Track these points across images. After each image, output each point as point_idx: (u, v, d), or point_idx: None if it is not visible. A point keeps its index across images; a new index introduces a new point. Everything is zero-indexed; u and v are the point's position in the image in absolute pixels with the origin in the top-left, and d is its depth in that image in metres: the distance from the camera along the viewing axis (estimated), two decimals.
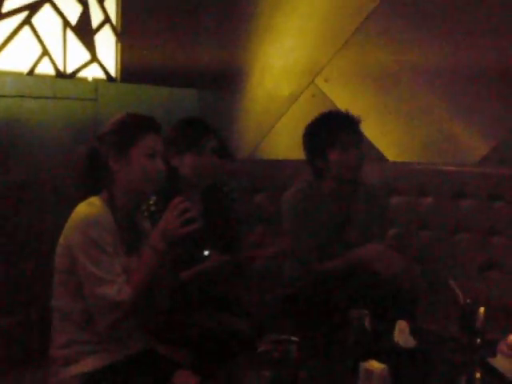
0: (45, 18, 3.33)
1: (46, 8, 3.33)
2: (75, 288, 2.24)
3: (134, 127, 2.36)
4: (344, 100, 4.10)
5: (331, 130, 3.11)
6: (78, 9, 3.51)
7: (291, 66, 4.24)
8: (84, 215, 2.24)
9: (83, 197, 2.31)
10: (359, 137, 3.18)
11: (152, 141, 2.35)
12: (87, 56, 3.58)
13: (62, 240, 2.28)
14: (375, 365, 2.04)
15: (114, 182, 2.33)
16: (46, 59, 3.36)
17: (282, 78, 4.27)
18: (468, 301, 2.55)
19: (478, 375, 2.41)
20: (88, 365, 2.26)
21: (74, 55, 3.50)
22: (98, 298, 2.19)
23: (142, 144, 2.33)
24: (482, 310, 2.49)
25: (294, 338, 2.14)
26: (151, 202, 2.85)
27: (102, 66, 3.68)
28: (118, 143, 2.33)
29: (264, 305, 3.16)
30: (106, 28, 3.70)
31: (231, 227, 3.18)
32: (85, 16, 3.54)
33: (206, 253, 2.84)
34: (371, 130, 4.02)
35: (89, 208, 2.26)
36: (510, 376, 2.25)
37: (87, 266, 2.18)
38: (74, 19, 3.48)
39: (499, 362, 2.34)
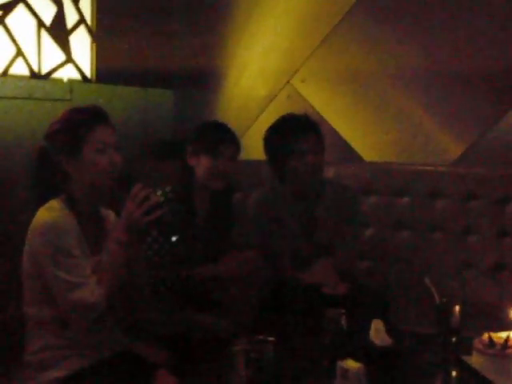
0: (19, 18, 3.30)
1: (20, 8, 3.31)
2: (44, 294, 2.20)
3: (79, 124, 2.28)
4: (320, 100, 4.11)
5: (286, 138, 3.11)
6: (53, 9, 3.48)
7: (267, 67, 4.24)
8: (44, 221, 2.18)
9: (42, 199, 2.27)
10: (317, 141, 3.15)
11: (100, 135, 2.29)
12: (62, 56, 3.55)
13: (26, 247, 2.24)
14: (351, 364, 2.04)
15: (71, 182, 2.29)
16: (20, 60, 3.33)
17: (258, 78, 4.27)
18: (443, 299, 2.57)
19: (453, 373, 2.42)
20: (64, 369, 2.23)
21: (49, 56, 3.48)
22: (72, 304, 2.15)
23: (90, 140, 2.26)
24: (457, 308, 2.51)
25: (270, 338, 2.15)
26: (167, 190, 2.93)
27: (77, 66, 3.66)
28: (66, 143, 2.27)
29: (243, 305, 3.15)
30: (81, 28, 3.68)
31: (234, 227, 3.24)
32: (59, 16, 3.52)
33: (174, 238, 2.83)
34: (347, 130, 4.04)
35: (49, 213, 2.21)
36: (485, 374, 2.27)
37: (55, 272, 2.14)
38: (48, 19, 3.46)
39: (475, 360, 2.35)
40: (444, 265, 3.57)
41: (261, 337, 2.16)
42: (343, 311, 2.38)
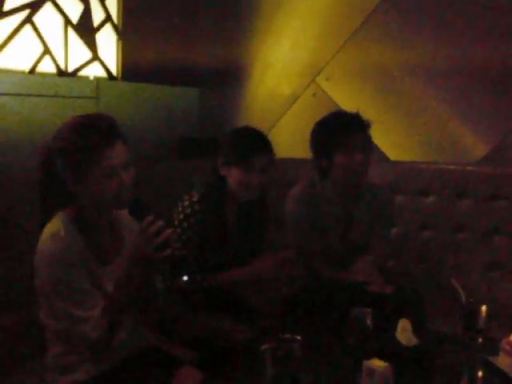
0: (46, 16, 3.33)
1: (48, 6, 3.34)
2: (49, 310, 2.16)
3: (87, 148, 2.08)
4: (345, 99, 4.10)
5: (338, 132, 3.02)
6: (80, 7, 3.51)
7: (292, 65, 4.24)
8: (49, 253, 2.07)
9: (49, 212, 2.17)
10: (366, 140, 3.06)
11: (109, 159, 2.10)
12: (88, 54, 3.58)
13: (35, 270, 2.13)
14: (378, 363, 2.04)
15: (77, 200, 2.17)
16: (47, 58, 3.36)
17: (283, 76, 4.27)
18: (470, 300, 2.55)
19: (480, 374, 2.41)
20: (85, 372, 2.20)
21: (76, 54, 3.51)
22: (74, 337, 2.11)
23: (98, 165, 2.09)
24: (483, 308, 2.49)
25: (297, 337, 2.14)
26: (195, 200, 2.81)
27: (103, 64, 3.68)
28: (71, 167, 2.11)
29: (268, 304, 3.13)
30: (108, 26, 3.71)
31: (266, 235, 3.13)
32: (86, 14, 3.55)
33: (185, 278, 2.67)
34: (373, 129, 4.00)
35: (53, 245, 2.08)
36: None
37: (59, 304, 2.08)
38: (75, 18, 3.49)
39: (501, 361, 2.34)
40: (470, 265, 3.55)
41: (288, 335, 2.15)
42: (369, 310, 2.37)
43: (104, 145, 2.09)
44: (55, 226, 2.12)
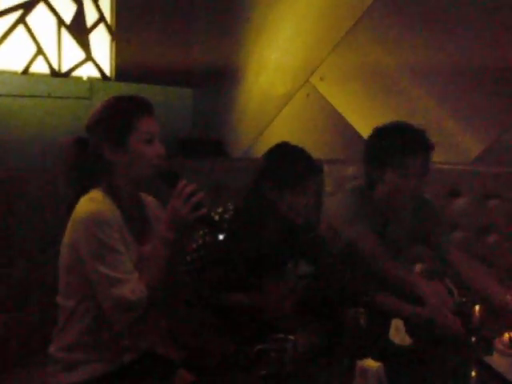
0: (39, 16, 3.34)
1: (41, 7, 3.34)
2: (81, 288, 2.15)
3: (125, 113, 2.18)
4: (339, 98, 4.11)
5: (396, 149, 2.75)
6: (73, 8, 3.51)
7: (286, 65, 4.24)
8: (88, 214, 2.09)
9: (80, 191, 2.19)
10: (425, 164, 2.78)
11: (147, 125, 2.19)
12: (82, 55, 3.58)
13: (66, 239, 2.16)
14: (371, 363, 2.03)
15: (113, 172, 2.19)
16: (40, 58, 3.36)
17: (277, 77, 4.27)
18: (464, 299, 2.55)
19: (473, 374, 2.41)
20: (86, 372, 2.19)
21: (69, 54, 3.51)
22: (113, 300, 2.08)
23: (137, 130, 2.17)
24: (477, 308, 2.49)
25: (290, 337, 2.14)
26: (231, 208, 2.76)
27: (96, 64, 3.68)
28: (111, 133, 2.18)
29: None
30: (101, 27, 3.71)
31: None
32: (79, 15, 3.55)
33: (221, 237, 2.51)
34: (366, 128, 4.01)
35: (91, 205, 2.12)
36: (506, 375, 2.25)
37: (98, 267, 2.07)
38: (68, 18, 3.49)
39: (495, 361, 2.34)
40: None
41: (281, 335, 2.16)
42: (362, 310, 2.37)
43: (142, 111, 2.19)
44: (93, 194, 2.17)
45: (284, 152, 2.79)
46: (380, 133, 2.86)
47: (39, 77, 3.35)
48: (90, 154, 2.21)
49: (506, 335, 2.37)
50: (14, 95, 3.15)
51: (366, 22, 4.04)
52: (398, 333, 2.40)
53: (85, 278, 2.12)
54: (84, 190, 2.19)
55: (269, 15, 4.25)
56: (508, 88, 3.77)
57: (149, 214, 2.35)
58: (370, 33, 4.04)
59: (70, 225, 2.15)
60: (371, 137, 2.89)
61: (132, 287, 2.10)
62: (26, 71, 3.28)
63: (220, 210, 2.77)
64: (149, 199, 2.40)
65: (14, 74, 3.24)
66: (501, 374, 2.26)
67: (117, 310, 2.11)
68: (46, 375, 2.26)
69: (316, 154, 3.98)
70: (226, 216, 2.76)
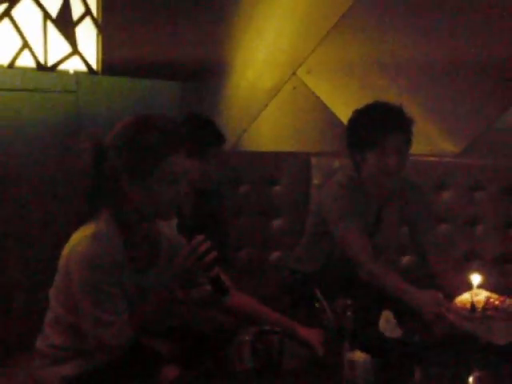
0: (25, 10, 3.31)
1: (26, 0, 3.31)
2: (69, 305, 2.11)
3: (154, 149, 2.01)
4: (326, 91, 4.11)
5: (374, 129, 2.79)
6: (59, 1, 3.49)
7: (273, 58, 4.23)
8: (85, 255, 2.00)
9: (90, 210, 2.10)
10: (405, 141, 2.83)
11: (175, 165, 2.04)
12: (68, 48, 3.56)
13: (62, 262, 2.08)
14: (359, 355, 2.04)
15: (125, 200, 2.07)
16: (26, 52, 3.34)
17: (264, 69, 4.26)
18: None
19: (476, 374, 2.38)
20: (76, 366, 2.17)
21: (55, 48, 3.48)
22: (94, 338, 2.07)
23: (163, 169, 2.02)
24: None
25: (276, 329, 2.15)
26: None
27: (83, 58, 3.66)
28: (133, 165, 2.03)
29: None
30: (87, 20, 3.68)
31: (222, 224, 3.16)
32: (65, 8, 3.52)
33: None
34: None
35: (90, 244, 2.00)
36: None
37: (86, 304, 2.03)
38: (54, 11, 3.46)
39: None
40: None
41: (267, 327, 2.16)
42: (350, 301, 2.37)
43: (172, 148, 2.03)
44: (96, 226, 2.05)
45: (188, 123, 2.88)
46: (359, 114, 2.90)
47: (25, 71, 3.33)
48: (106, 172, 2.07)
49: (459, 300, 2.45)
50: (0, 89, 3.13)
51: (353, 16, 4.04)
52: (387, 324, 2.41)
53: (73, 301, 2.09)
54: (93, 209, 2.10)
55: (256, 8, 4.24)
56: (494, 81, 3.79)
57: (160, 242, 2.25)
58: (357, 26, 4.04)
59: (68, 250, 2.07)
60: (351, 119, 2.92)
61: (115, 332, 2.05)
62: (11, 65, 3.26)
63: None
64: (165, 225, 2.26)
65: (0, 67, 3.23)
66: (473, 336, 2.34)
67: (97, 347, 2.09)
68: (33, 369, 2.26)
69: (303, 146, 4.03)
70: None
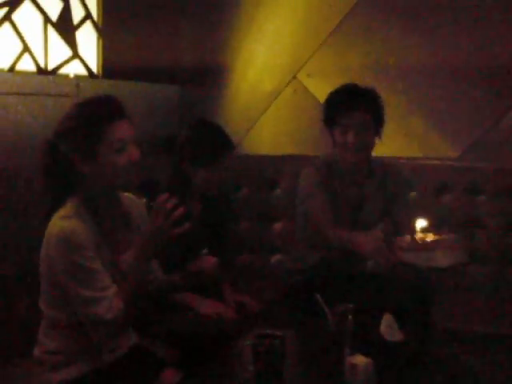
0: (25, 14, 3.31)
1: (27, 4, 3.32)
2: (60, 299, 2.13)
3: (93, 122, 2.09)
4: (326, 95, 4.10)
5: (334, 109, 3.00)
6: (59, 5, 3.49)
7: (273, 62, 4.24)
8: (60, 235, 2.05)
9: (56, 200, 2.14)
10: (363, 119, 2.98)
11: (118, 132, 2.11)
12: (68, 52, 3.56)
13: (42, 253, 2.13)
14: (360, 359, 2.05)
15: (86, 182, 2.14)
16: (26, 56, 3.34)
17: (265, 73, 4.27)
18: None
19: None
20: (74, 371, 2.18)
21: (56, 52, 3.49)
22: (89, 318, 2.07)
23: (107, 140, 2.09)
24: None
25: (278, 333, 2.15)
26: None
27: (83, 62, 3.66)
28: (80, 144, 2.09)
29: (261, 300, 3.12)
30: (88, 24, 3.69)
31: (227, 228, 3.18)
32: (66, 12, 3.53)
33: (205, 251, 2.65)
34: None
35: (64, 224, 2.06)
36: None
37: (72, 286, 2.05)
38: (54, 15, 3.47)
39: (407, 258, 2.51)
40: None
41: (269, 331, 2.16)
42: (351, 305, 2.37)
43: (111, 117, 2.11)
44: (66, 209, 2.11)
45: (198, 131, 2.95)
46: (329, 94, 3.08)
47: (25, 74, 3.33)
48: (61, 162, 2.13)
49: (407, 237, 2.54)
50: (0, 93, 3.14)
51: (353, 19, 4.05)
52: (388, 328, 2.41)
53: (62, 290, 2.10)
54: (59, 200, 2.14)
55: (256, 12, 4.25)
56: (494, 84, 3.79)
57: (133, 219, 2.31)
58: (357, 29, 4.05)
59: (44, 240, 2.11)
60: (325, 100, 3.10)
61: (108, 305, 2.07)
62: (12, 69, 3.26)
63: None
64: (130, 199, 2.35)
65: (0, 71, 3.23)
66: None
67: (93, 327, 2.10)
68: (32, 375, 2.27)
69: (303, 149, 4.03)
70: None
